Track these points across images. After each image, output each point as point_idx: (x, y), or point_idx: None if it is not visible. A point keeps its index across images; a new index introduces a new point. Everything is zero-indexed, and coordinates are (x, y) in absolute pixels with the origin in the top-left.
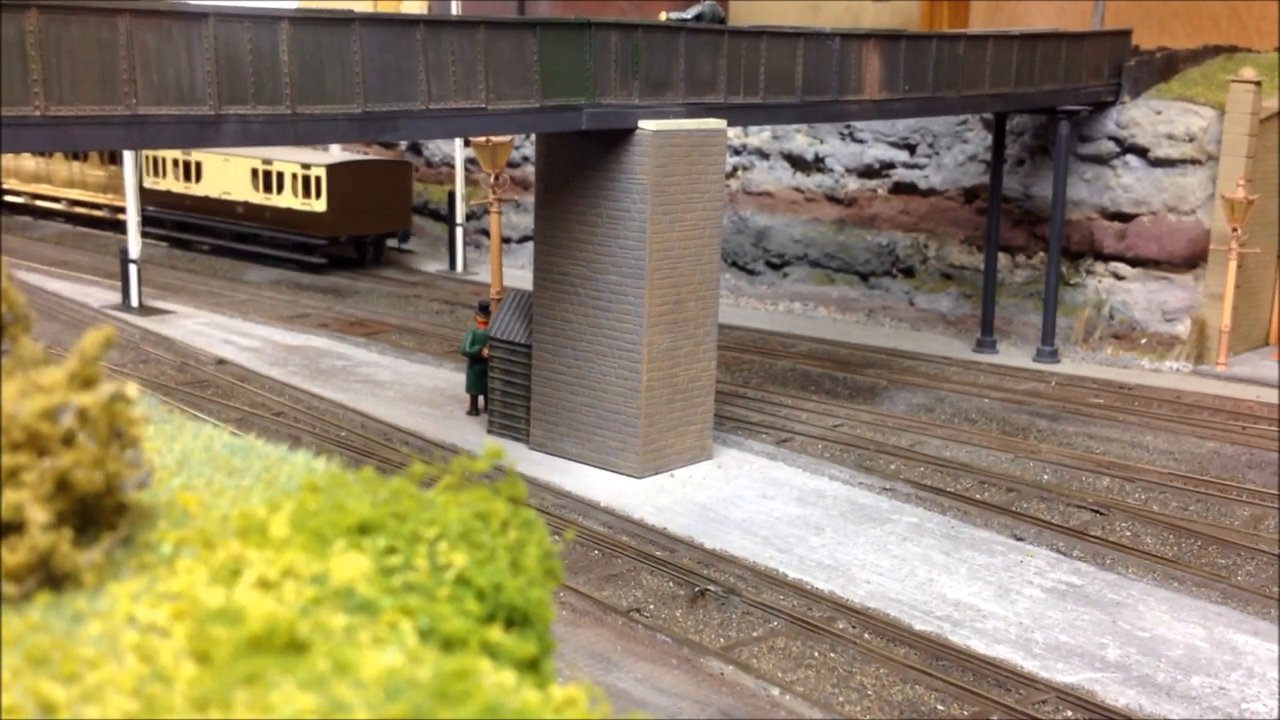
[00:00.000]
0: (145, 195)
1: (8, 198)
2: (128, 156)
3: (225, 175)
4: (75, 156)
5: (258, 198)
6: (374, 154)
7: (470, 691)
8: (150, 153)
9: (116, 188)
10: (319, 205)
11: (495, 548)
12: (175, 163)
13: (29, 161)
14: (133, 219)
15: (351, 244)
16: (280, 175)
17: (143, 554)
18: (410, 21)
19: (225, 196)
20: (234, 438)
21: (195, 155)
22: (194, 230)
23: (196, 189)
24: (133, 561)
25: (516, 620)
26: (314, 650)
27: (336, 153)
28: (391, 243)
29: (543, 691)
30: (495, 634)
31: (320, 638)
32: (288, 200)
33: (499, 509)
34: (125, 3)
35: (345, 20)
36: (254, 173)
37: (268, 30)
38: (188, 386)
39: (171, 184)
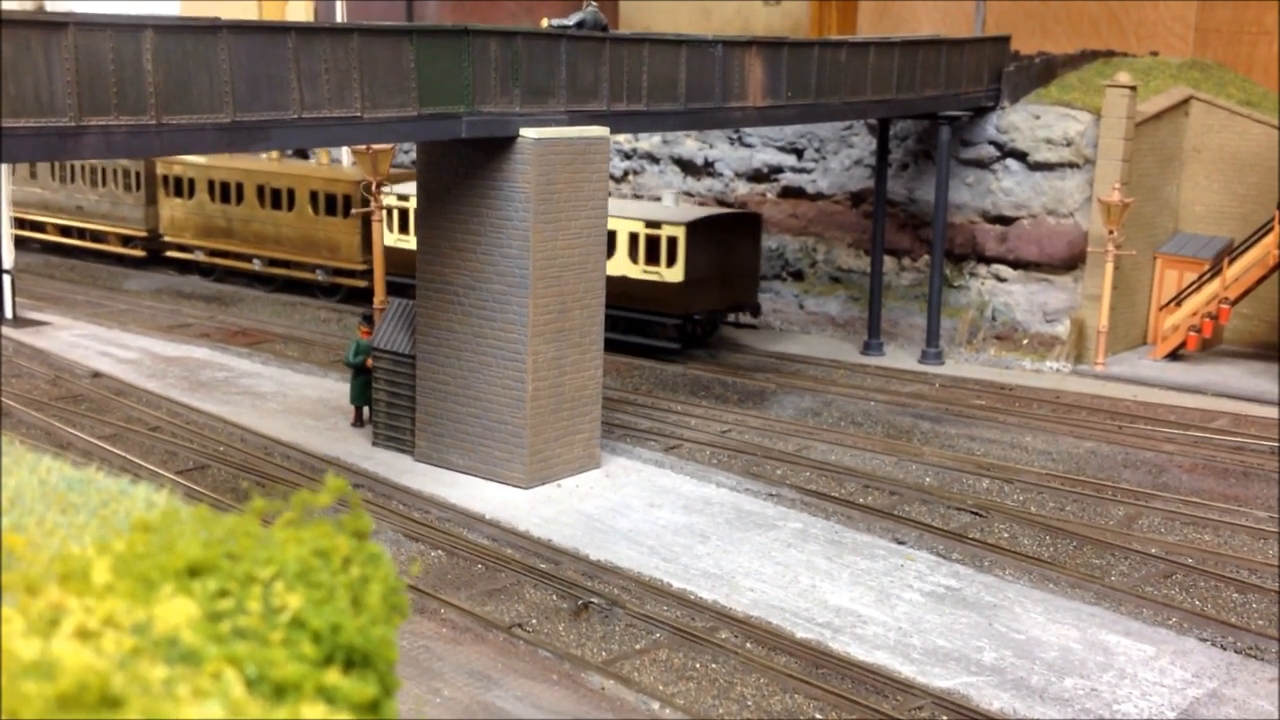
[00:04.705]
0: (387, 254)
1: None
2: (4, 169)
3: None
4: (177, 193)
5: None
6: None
7: None
8: (396, 204)
9: (231, 230)
10: (674, 274)
11: (335, 586)
12: None
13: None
14: (6, 228)
15: (701, 322)
16: (612, 235)
17: None
18: (281, 29)
19: None
20: (73, 470)
21: None
22: None
23: None
24: None
25: (357, 661)
26: (129, 706)
27: (676, 204)
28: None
29: None
30: (333, 677)
31: (136, 692)
32: (622, 267)
33: (341, 545)
34: None
35: (212, 28)
36: None
37: (130, 39)
38: (60, 401)
39: None
